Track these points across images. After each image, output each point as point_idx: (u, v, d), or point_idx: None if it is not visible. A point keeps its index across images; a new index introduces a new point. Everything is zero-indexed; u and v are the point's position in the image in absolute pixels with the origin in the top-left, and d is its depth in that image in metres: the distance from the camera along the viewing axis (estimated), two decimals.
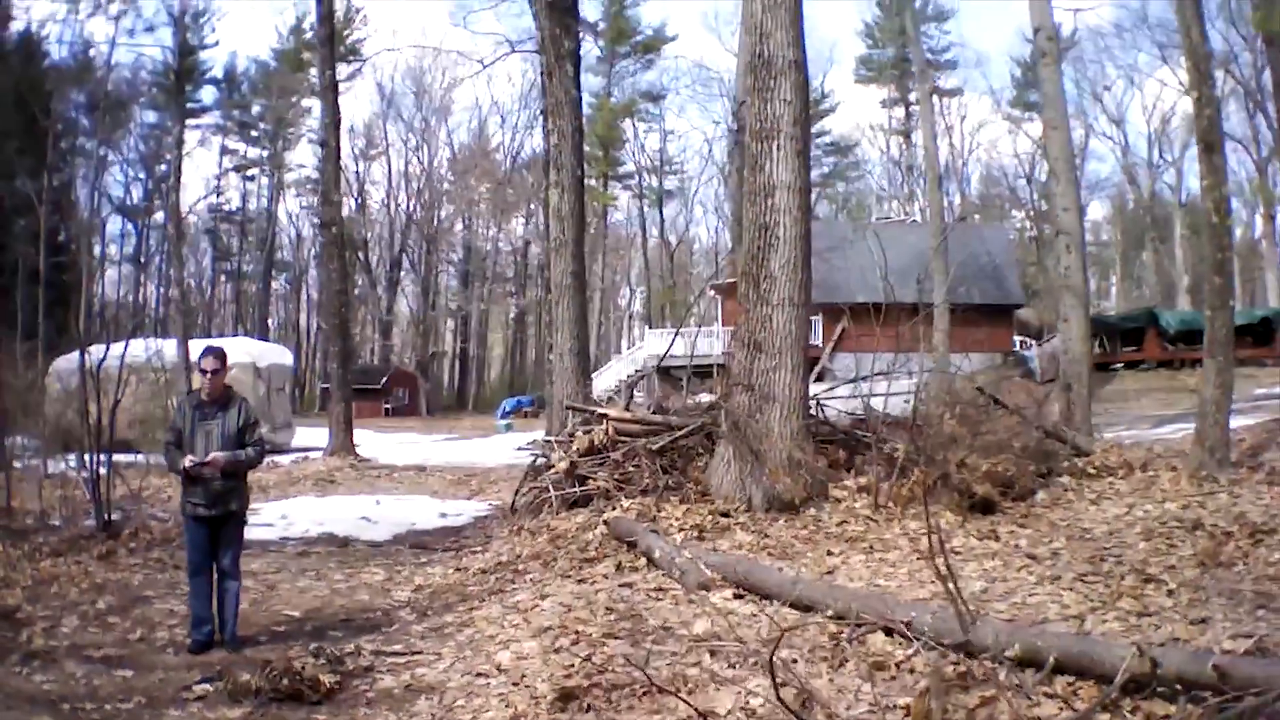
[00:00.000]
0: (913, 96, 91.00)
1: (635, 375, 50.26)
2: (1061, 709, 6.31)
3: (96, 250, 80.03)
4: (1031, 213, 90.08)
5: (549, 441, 18.83)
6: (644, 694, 7.13)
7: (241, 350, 40.56)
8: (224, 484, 10.53)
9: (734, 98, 39.20)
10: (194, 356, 32.18)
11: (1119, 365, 53.45)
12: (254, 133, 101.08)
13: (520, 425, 57.85)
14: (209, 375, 10.64)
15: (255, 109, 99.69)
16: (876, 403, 17.77)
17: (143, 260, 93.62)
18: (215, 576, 10.72)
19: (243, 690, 8.75)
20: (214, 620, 10.65)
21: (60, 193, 57.54)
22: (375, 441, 43.94)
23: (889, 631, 8.04)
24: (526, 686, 7.94)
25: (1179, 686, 6.12)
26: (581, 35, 25.82)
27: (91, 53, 67.41)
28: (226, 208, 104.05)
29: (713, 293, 64.67)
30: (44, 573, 13.85)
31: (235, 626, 10.70)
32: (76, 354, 20.66)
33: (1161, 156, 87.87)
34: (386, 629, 11.39)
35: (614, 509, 14.85)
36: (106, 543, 15.71)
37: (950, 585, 7.24)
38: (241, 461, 10.66)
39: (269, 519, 19.90)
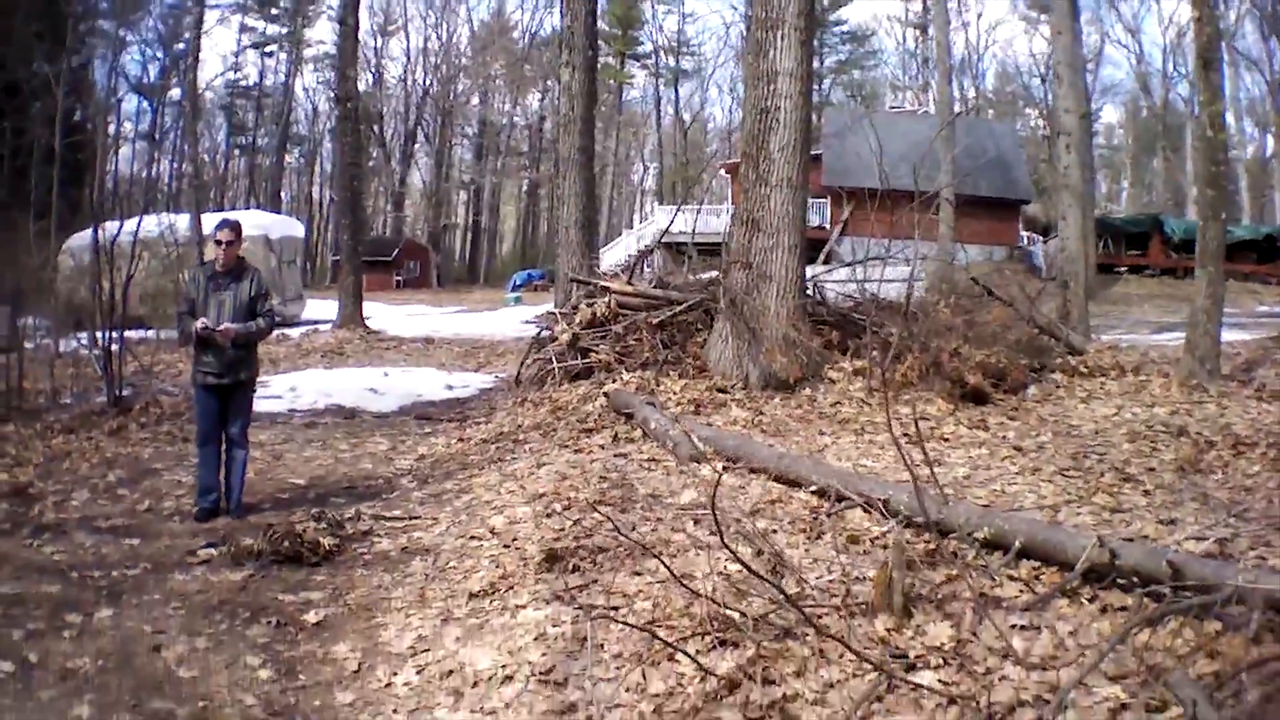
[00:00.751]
0: None
1: (644, 249, 50.11)
2: (1022, 591, 6.52)
3: (112, 129, 79.55)
4: (1045, 111, 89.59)
5: (554, 314, 18.94)
6: (627, 556, 7.42)
7: (253, 222, 40.46)
8: (235, 353, 10.80)
9: None
10: (207, 230, 32.43)
11: (1123, 269, 53.42)
12: (274, 10, 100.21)
13: (530, 299, 58.00)
14: (223, 246, 10.87)
15: None
16: (873, 287, 17.89)
17: (157, 137, 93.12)
18: (223, 445, 11.02)
19: (245, 553, 9.16)
20: (220, 488, 10.98)
21: (78, 73, 56.98)
22: (385, 313, 44.24)
23: (867, 509, 8.27)
24: (517, 549, 8.30)
25: (1136, 579, 6.31)
26: None
27: None
28: (244, 83, 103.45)
29: (723, 171, 64.69)
30: (55, 449, 14.15)
31: (241, 495, 11.04)
32: (90, 231, 20.72)
33: (1176, 69, 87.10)
34: (387, 495, 11.79)
35: (614, 381, 15.09)
36: (117, 418, 15.97)
37: (910, 468, 7.49)
38: (253, 332, 10.94)
39: (278, 391, 20.21)
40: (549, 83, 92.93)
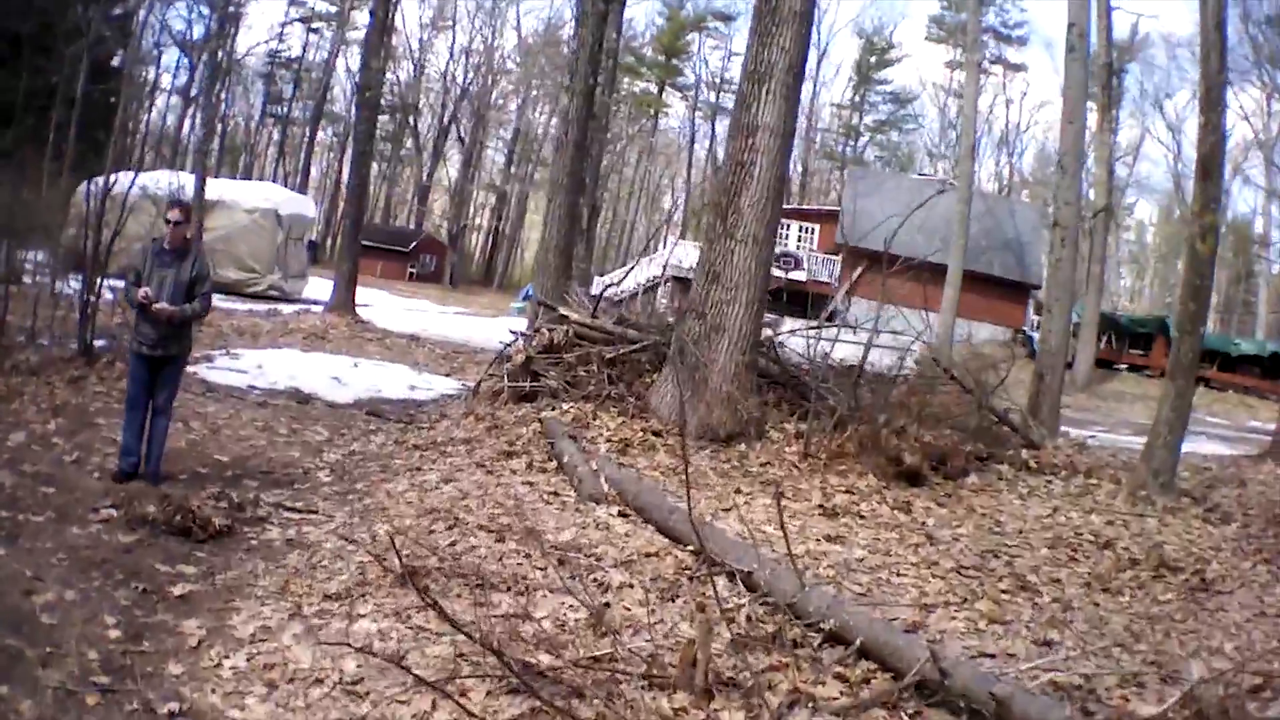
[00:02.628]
0: (959, 55, 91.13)
1: (655, 280, 50.39)
2: (843, 694, 6.48)
3: (150, 78, 79.71)
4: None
5: (525, 335, 19.04)
6: (477, 585, 7.53)
7: (264, 196, 40.87)
8: (169, 328, 11.08)
9: None
10: (214, 194, 32.44)
11: (1123, 366, 53.62)
12: None
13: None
14: (171, 225, 11.15)
15: None
16: (841, 351, 17.93)
17: (193, 95, 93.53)
18: (149, 413, 11.26)
19: (140, 519, 9.43)
20: (140, 453, 11.18)
21: (121, 20, 57.05)
22: (385, 303, 44.72)
23: (731, 578, 8.26)
24: (384, 561, 8.36)
25: (963, 703, 6.21)
26: None
27: None
28: (285, 54, 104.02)
29: None
30: (10, 388, 14.37)
31: (159, 463, 11.25)
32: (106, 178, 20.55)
33: None
34: (299, 486, 11.96)
35: (555, 409, 15.22)
36: (82, 369, 16.11)
37: (789, 542, 7.58)
38: (187, 315, 11.21)
39: (244, 366, 20.33)
40: None
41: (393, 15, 38.74)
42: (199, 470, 12.03)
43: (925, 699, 6.37)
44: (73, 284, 19.39)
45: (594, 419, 14.82)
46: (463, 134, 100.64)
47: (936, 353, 18.93)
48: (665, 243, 64.13)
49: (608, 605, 7.33)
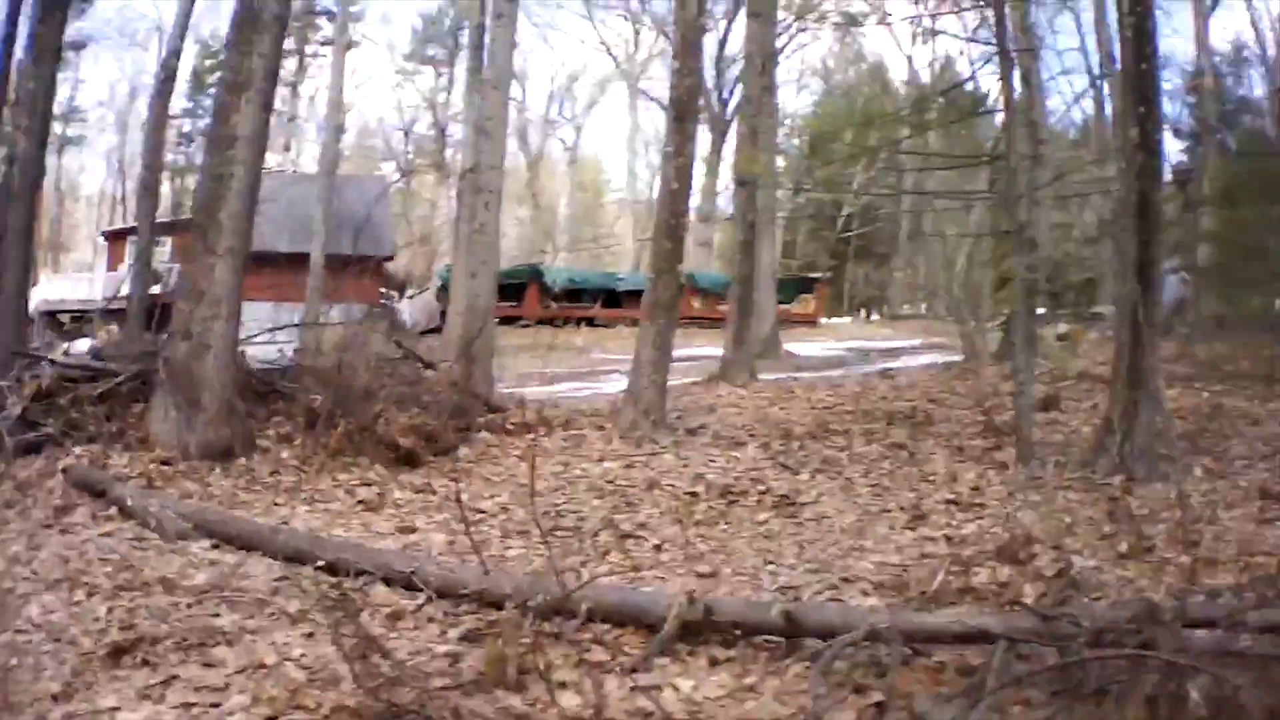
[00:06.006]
0: (291, 44, 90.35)
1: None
2: (614, 655, 6.30)
3: None
4: (400, 164, 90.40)
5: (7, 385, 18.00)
6: (187, 646, 6.85)
7: None
8: None
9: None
10: None
11: (495, 320, 54.73)
12: None
13: None
14: None
15: None
16: (268, 352, 18.26)
17: None
18: None
19: None
20: None
21: None
22: None
23: (387, 582, 8.04)
24: (70, 642, 7.23)
25: (739, 633, 6.36)
26: None
27: None
28: None
29: (103, 239, 62.95)
30: None
31: None
32: None
33: (560, 114, 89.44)
34: None
35: (66, 456, 14.20)
36: None
37: (472, 539, 7.50)
38: None
39: None
40: None
41: None
42: None
43: (691, 640, 6.43)
44: None
45: (107, 459, 14.03)
46: None
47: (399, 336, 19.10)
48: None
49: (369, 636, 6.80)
